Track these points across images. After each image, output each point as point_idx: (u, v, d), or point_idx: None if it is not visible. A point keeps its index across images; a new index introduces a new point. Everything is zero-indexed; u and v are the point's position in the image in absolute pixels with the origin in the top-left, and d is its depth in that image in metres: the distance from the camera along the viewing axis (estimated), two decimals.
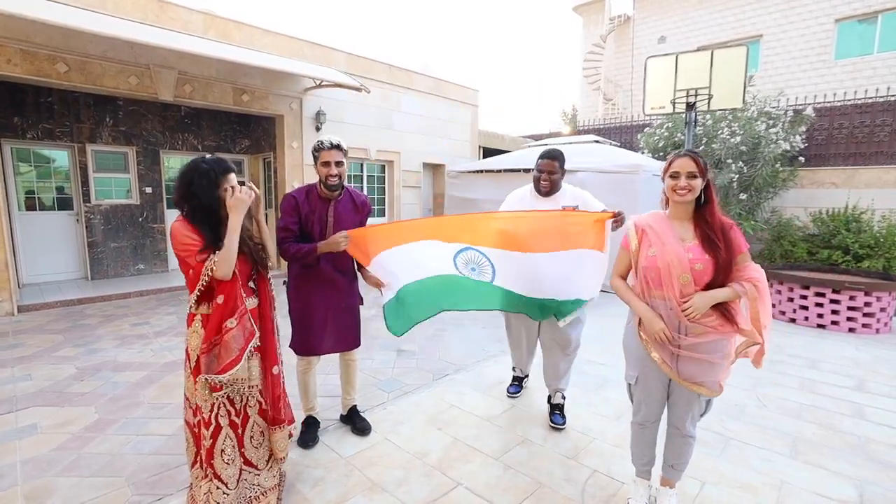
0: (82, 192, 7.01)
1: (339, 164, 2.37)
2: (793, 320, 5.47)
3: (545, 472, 2.37)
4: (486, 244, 2.44)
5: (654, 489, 2.11)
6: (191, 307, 1.80)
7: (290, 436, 2.13)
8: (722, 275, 1.76)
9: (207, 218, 1.78)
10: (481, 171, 8.53)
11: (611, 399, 3.25)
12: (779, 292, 5.64)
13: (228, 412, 1.84)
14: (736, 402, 3.23)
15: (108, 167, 7.31)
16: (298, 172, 7.91)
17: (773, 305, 5.68)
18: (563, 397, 2.94)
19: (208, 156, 1.83)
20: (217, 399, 1.79)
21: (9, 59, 5.13)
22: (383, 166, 9.53)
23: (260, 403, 1.96)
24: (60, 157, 6.98)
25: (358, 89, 7.32)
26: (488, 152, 11.76)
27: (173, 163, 8.09)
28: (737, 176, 7.32)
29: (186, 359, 1.83)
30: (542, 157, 2.70)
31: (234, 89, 6.99)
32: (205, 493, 1.80)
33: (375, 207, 9.51)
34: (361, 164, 9.10)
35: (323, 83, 7.49)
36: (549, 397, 2.99)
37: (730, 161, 7.40)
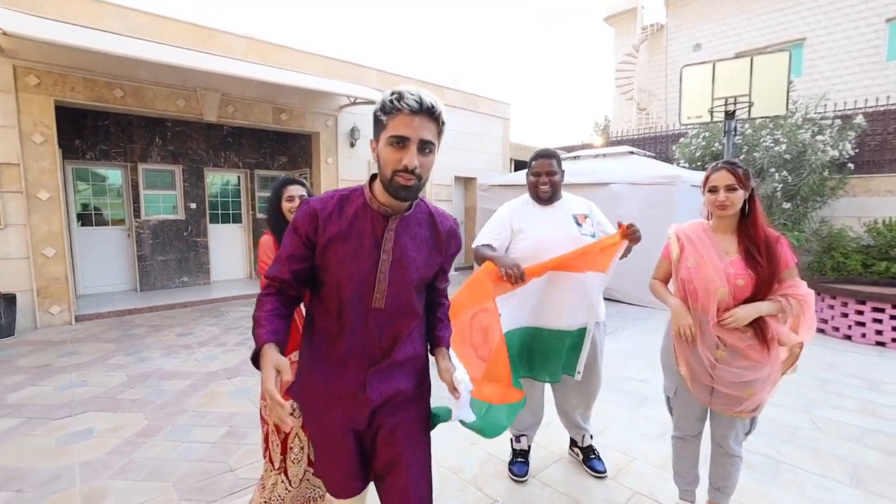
0: (133, 209, 7.44)
1: (426, 146, 1.14)
2: (848, 337, 5.15)
3: (584, 492, 2.31)
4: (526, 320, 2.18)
5: None
6: None
7: None
8: (763, 290, 1.70)
9: (280, 230, 1.92)
10: (512, 185, 8.53)
11: (652, 417, 3.14)
12: (831, 307, 5.33)
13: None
14: (787, 423, 3.06)
15: (156, 184, 7.74)
16: (333, 188, 8.13)
17: (825, 321, 5.37)
18: (592, 436, 2.55)
19: (283, 174, 1.97)
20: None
21: (73, 87, 5.54)
22: None
23: None
24: (114, 175, 7.45)
25: None
26: (520, 165, 11.75)
27: (216, 179, 8.48)
28: (780, 185, 7.02)
29: None
30: (536, 157, 2.29)
31: (273, 108, 7.29)
32: (271, 484, 1.89)
33: None
34: None
35: (357, 100, 7.72)
36: (573, 442, 2.59)
37: (773, 170, 7.11)
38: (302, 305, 1.69)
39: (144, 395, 3.51)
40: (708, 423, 1.94)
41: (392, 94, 1.13)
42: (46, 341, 4.92)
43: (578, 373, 2.21)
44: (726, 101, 5.69)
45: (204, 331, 5.43)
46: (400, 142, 1.12)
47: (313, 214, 1.19)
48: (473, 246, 2.29)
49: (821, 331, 5.38)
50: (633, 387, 3.70)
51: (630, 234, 2.03)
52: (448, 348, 1.40)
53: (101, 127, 7.02)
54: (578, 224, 2.24)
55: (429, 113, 1.14)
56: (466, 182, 10.72)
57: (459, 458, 2.62)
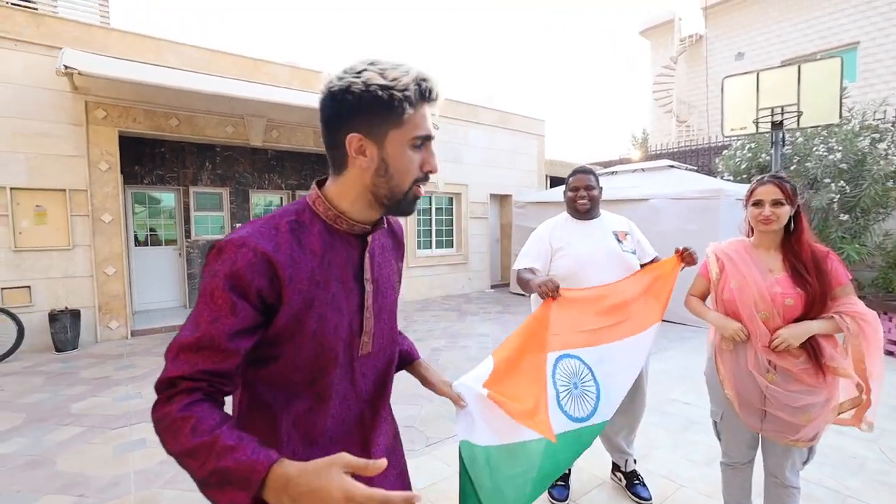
0: (185, 229, 7.89)
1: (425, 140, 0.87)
2: None
3: None
4: (581, 343, 1.72)
5: None
6: None
7: None
8: (815, 310, 1.60)
9: None
10: (549, 202, 8.47)
11: (699, 442, 2.98)
12: None
13: None
14: (854, 453, 2.82)
15: (205, 206, 8.19)
16: None
17: (894, 343, 4.96)
18: (636, 461, 2.46)
19: None
20: None
21: (134, 118, 6.00)
22: (451, 198, 9.77)
23: None
24: (168, 198, 7.95)
25: None
26: (556, 181, 11.66)
27: (260, 200, 8.88)
28: (837, 196, 6.62)
29: None
30: (574, 173, 2.30)
31: (314, 132, 7.60)
32: None
33: (444, 239, 9.72)
34: (430, 197, 9.39)
35: None
36: (616, 466, 2.50)
37: (828, 180, 6.73)
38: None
39: None
40: (760, 450, 1.83)
41: (411, 76, 0.80)
42: (106, 354, 5.24)
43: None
44: (772, 111, 5.48)
45: None
46: (425, 142, 0.86)
47: (265, 260, 0.76)
48: (514, 268, 2.26)
49: (889, 353, 4.97)
50: (679, 409, 3.54)
51: (689, 259, 1.97)
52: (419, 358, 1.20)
53: (157, 154, 7.54)
54: (619, 241, 2.21)
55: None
56: (502, 199, 10.73)
57: None
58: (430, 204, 9.44)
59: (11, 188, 5.23)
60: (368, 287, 0.91)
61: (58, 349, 5.33)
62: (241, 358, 0.76)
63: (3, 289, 5.22)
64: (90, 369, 4.69)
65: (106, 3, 8.18)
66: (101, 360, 5.00)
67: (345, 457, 0.65)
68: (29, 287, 5.37)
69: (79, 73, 4.71)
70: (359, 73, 0.80)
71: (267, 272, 0.77)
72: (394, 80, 0.79)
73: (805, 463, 1.76)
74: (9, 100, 5.22)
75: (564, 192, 2.33)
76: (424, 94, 0.82)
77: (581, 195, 2.22)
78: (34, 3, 7.61)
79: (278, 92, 6.41)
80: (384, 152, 0.83)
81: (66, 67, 4.59)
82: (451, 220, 9.82)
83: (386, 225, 1.00)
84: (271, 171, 8.74)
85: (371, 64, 0.81)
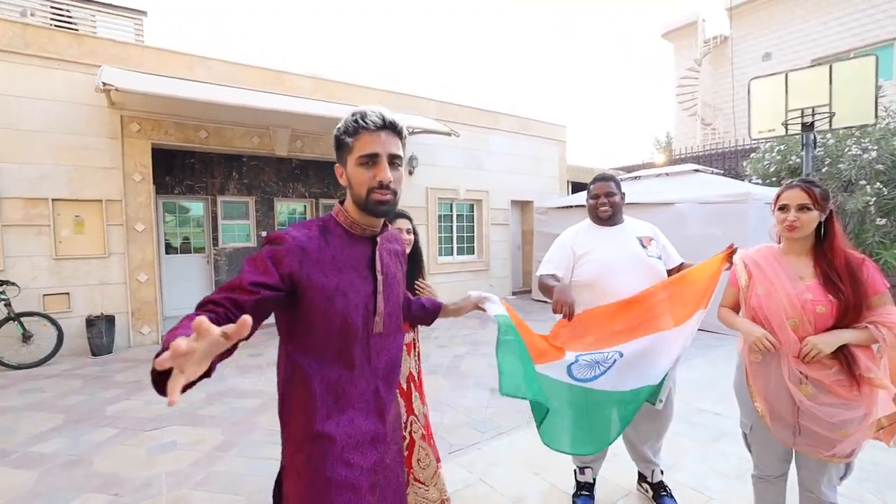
0: (212, 237, 8.12)
1: (395, 160, 1.14)
2: None
3: None
4: (603, 346, 1.93)
5: None
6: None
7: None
8: (849, 318, 1.54)
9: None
10: (570, 207, 8.40)
11: (729, 454, 2.90)
12: None
13: None
14: None
15: (232, 215, 8.42)
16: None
17: None
18: (663, 472, 2.41)
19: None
20: None
21: (166, 131, 6.24)
22: (472, 205, 9.78)
23: (412, 441, 2.07)
24: (196, 207, 8.20)
25: (448, 134, 7.71)
26: (577, 187, 11.56)
27: (284, 208, 9.08)
28: (874, 199, 6.37)
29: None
30: (594, 181, 2.29)
31: None
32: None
33: (465, 245, 9.74)
34: (451, 204, 9.43)
35: (415, 130, 8.02)
36: (642, 477, 2.44)
37: (863, 182, 6.49)
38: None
39: (220, 412, 3.75)
40: (794, 463, 1.76)
41: (353, 114, 1.11)
42: (138, 359, 5.42)
43: (660, 401, 2.04)
44: (802, 112, 5.34)
45: (273, 352, 5.74)
46: (370, 159, 1.10)
47: (301, 248, 1.05)
48: (537, 275, 2.25)
49: None
50: (708, 420, 3.44)
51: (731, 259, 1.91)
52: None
53: (187, 164, 7.80)
54: (643, 246, 2.17)
55: (392, 128, 1.12)
56: (523, 206, 10.69)
57: (521, 488, 2.55)
58: (451, 211, 9.47)
59: (53, 199, 5.50)
60: (380, 276, 1.17)
61: (94, 353, 5.54)
62: (257, 297, 0.97)
63: (44, 295, 5.47)
64: (124, 373, 4.86)
65: (140, 21, 8.56)
66: (133, 365, 5.18)
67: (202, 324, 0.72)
68: (68, 293, 5.62)
69: (116, 90, 4.93)
70: (340, 123, 1.13)
71: (298, 255, 1.04)
72: (341, 123, 1.13)
73: (842, 478, 1.69)
74: (52, 116, 5.50)
75: (587, 200, 2.33)
76: (359, 124, 1.10)
77: (602, 202, 2.21)
78: (74, 23, 8.03)
79: (301, 103, 6.57)
80: (347, 173, 1.15)
81: (105, 84, 4.82)
82: (473, 226, 9.83)
83: (388, 231, 1.27)
84: (295, 180, 8.93)
85: (349, 115, 1.12)
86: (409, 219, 2.19)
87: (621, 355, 1.89)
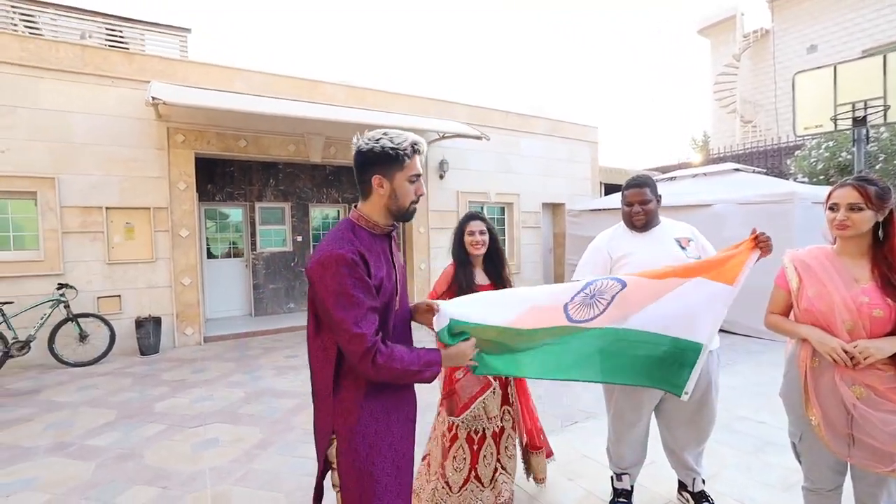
0: (251, 242, 8.42)
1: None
2: None
3: None
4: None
5: None
6: None
7: (549, 455, 2.48)
8: None
9: (462, 262, 2.23)
10: (603, 210, 8.25)
11: (774, 465, 2.77)
12: None
13: (468, 428, 2.14)
14: None
15: (269, 220, 8.72)
16: (423, 218, 8.50)
17: None
18: (704, 481, 2.32)
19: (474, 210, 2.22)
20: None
21: (208, 140, 6.54)
22: (503, 208, 9.76)
23: (502, 429, 2.20)
24: (235, 213, 8.54)
25: (478, 138, 7.73)
26: (610, 189, 11.34)
27: (318, 214, 9.32)
28: None
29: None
30: (628, 186, 2.21)
31: None
32: (431, 489, 2.10)
33: None
34: (482, 207, 9.44)
35: (445, 135, 8.09)
36: (682, 485, 2.36)
37: None
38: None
39: (259, 411, 3.88)
40: (849, 476, 1.67)
41: (409, 141, 1.34)
42: (182, 359, 5.68)
43: (686, 393, 1.65)
44: (853, 106, 5.07)
45: None
46: (417, 178, 1.37)
47: (360, 257, 1.26)
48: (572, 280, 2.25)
49: None
50: (751, 428, 3.30)
51: (764, 244, 1.67)
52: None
53: (227, 172, 8.14)
54: (682, 247, 2.11)
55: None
56: (554, 208, 10.57)
57: (556, 495, 2.53)
58: (482, 213, 9.46)
59: (106, 208, 5.85)
60: (397, 265, 1.44)
61: (142, 353, 5.85)
62: (378, 314, 1.29)
63: (98, 297, 5.82)
64: (170, 372, 5.10)
65: (185, 38, 9.02)
66: (178, 364, 5.43)
67: (468, 345, 1.45)
68: (119, 296, 5.96)
69: (164, 103, 5.21)
70: (377, 140, 1.31)
71: (363, 263, 1.25)
72: (399, 143, 1.31)
73: None
74: (105, 130, 5.87)
75: (621, 206, 2.28)
76: (415, 150, 1.35)
77: (636, 210, 2.16)
78: (126, 42, 8.53)
79: (334, 111, 6.75)
80: (393, 185, 1.34)
81: (154, 99, 5.10)
82: (503, 229, 9.80)
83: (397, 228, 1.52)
84: (329, 186, 9.16)
85: (384, 135, 1.32)
86: (484, 219, 2.30)
87: (624, 285, 1.68)
